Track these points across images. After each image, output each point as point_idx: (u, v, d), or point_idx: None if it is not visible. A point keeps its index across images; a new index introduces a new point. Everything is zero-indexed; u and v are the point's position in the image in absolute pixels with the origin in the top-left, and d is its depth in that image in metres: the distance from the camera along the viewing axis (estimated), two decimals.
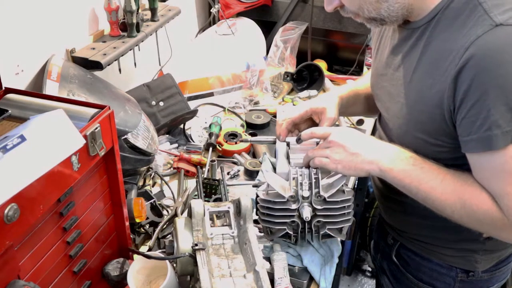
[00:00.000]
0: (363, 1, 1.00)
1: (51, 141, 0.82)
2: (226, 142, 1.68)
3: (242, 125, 1.84)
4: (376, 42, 1.25)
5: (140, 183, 1.48)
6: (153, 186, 1.52)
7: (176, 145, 1.70)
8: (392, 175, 1.04)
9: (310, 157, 1.13)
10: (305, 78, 2.12)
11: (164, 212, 1.40)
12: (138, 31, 1.61)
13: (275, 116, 1.89)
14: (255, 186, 1.22)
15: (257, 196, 1.14)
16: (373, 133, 1.40)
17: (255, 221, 1.18)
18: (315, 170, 1.12)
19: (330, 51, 2.41)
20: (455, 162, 1.02)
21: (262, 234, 1.21)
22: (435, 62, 0.99)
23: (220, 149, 1.66)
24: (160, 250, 1.25)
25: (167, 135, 1.74)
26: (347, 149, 1.07)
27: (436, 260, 1.24)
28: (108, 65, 1.48)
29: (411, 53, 1.06)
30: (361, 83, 1.39)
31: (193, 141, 1.73)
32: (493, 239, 1.17)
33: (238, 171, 1.58)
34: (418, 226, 1.23)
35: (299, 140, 1.17)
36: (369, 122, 1.88)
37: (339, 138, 1.09)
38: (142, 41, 1.64)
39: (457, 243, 1.19)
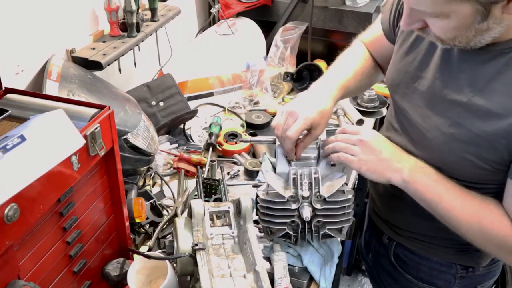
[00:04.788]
0: (460, 34, 0.91)
1: (51, 141, 0.82)
2: (226, 142, 1.67)
3: (242, 125, 1.84)
4: (401, 35, 1.17)
5: (140, 183, 1.48)
6: (153, 186, 1.52)
7: (176, 145, 1.70)
8: (414, 187, 1.04)
9: (335, 149, 1.10)
10: (305, 78, 2.12)
11: (164, 212, 1.40)
12: (138, 31, 1.61)
13: (275, 116, 1.88)
14: (255, 186, 1.22)
15: (257, 196, 1.14)
16: None
17: (255, 221, 1.18)
18: (315, 169, 1.12)
19: (330, 51, 2.41)
20: (488, 184, 1.03)
21: (262, 234, 1.21)
22: None
23: (220, 149, 1.66)
24: (160, 250, 1.25)
25: (167, 135, 1.74)
26: (378, 154, 1.06)
27: (436, 259, 1.24)
28: (108, 65, 1.48)
29: (475, 72, 0.99)
30: (349, 74, 1.26)
31: (193, 141, 1.73)
32: None
33: (238, 171, 1.58)
34: (425, 227, 1.22)
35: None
36: (369, 122, 1.88)
37: (373, 141, 1.07)
38: (142, 41, 1.64)
39: (463, 241, 1.19)
